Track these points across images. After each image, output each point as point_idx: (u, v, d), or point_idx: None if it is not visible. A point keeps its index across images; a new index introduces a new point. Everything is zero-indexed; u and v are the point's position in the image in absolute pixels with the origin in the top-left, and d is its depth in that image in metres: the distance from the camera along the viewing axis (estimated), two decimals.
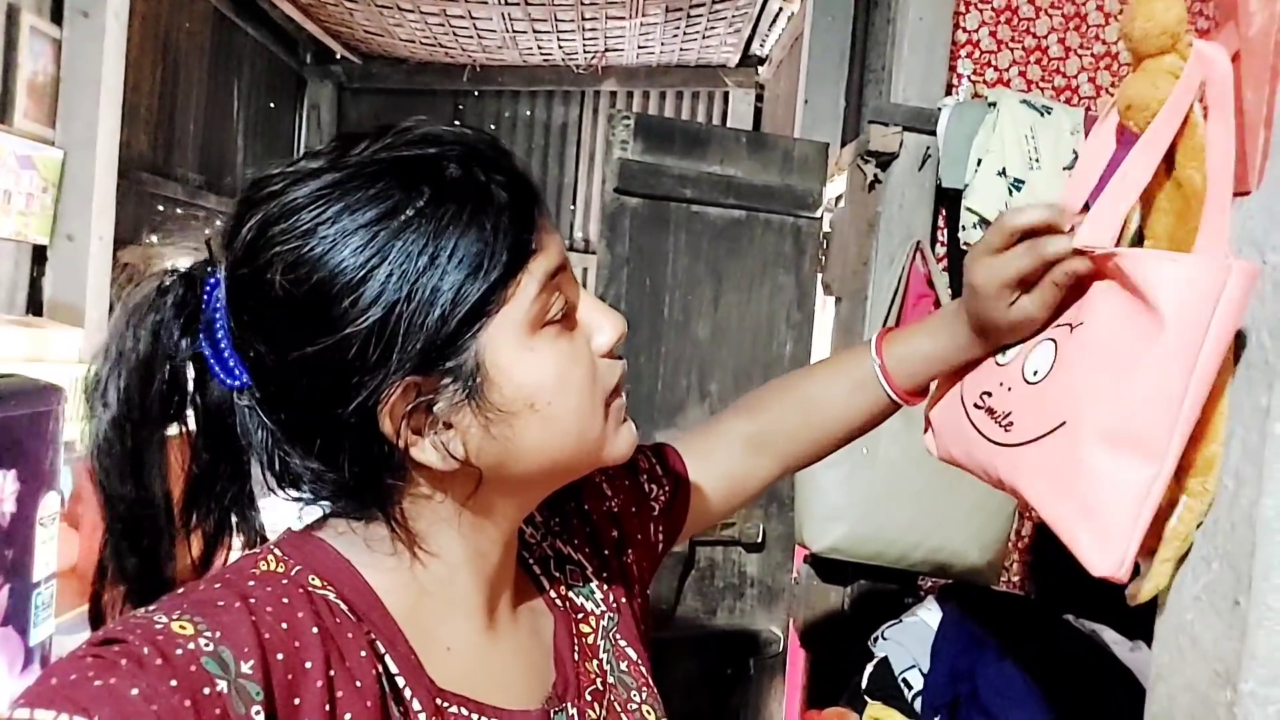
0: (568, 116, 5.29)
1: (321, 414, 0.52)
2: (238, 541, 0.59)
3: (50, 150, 2.71)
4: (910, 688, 1.41)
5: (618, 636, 0.70)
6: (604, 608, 0.70)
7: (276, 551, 0.56)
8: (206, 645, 0.46)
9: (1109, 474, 0.63)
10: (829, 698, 1.87)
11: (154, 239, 3.68)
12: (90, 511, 2.62)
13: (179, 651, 0.45)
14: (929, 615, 1.51)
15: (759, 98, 5.00)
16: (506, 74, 5.19)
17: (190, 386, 0.56)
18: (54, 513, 1.91)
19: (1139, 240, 0.85)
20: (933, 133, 1.79)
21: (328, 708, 0.49)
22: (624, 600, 0.72)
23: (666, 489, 0.82)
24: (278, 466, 0.56)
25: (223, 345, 0.54)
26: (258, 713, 0.45)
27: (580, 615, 0.69)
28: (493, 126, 5.40)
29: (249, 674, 0.46)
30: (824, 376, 0.85)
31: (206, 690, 0.44)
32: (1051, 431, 0.66)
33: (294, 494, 0.57)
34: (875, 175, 1.83)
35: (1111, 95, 1.94)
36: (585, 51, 4.79)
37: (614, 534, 0.76)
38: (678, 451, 0.84)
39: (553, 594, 0.69)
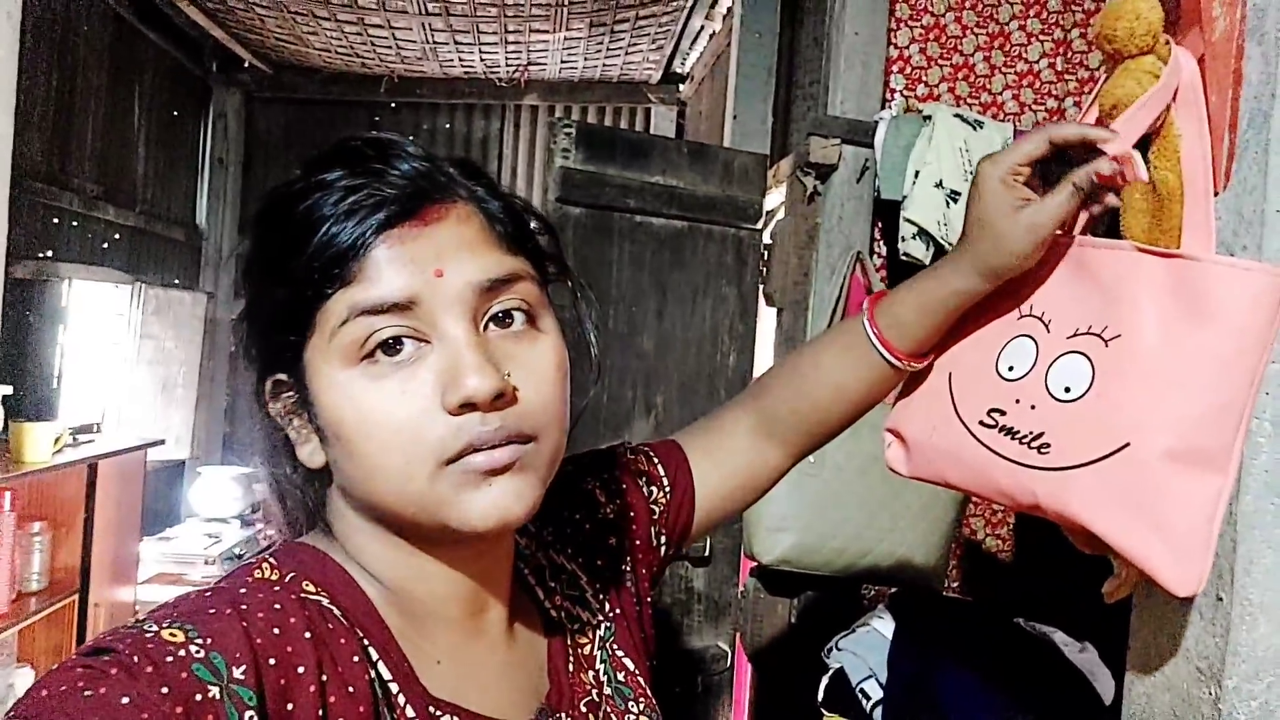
0: (488, 130, 5.21)
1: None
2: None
3: None
4: (868, 698, 1.41)
5: (615, 647, 0.69)
6: (601, 618, 0.69)
7: (271, 560, 0.56)
8: (197, 652, 0.46)
9: (1181, 492, 0.62)
10: (777, 711, 1.86)
11: (49, 253, 3.45)
12: None
13: (169, 659, 0.45)
14: (881, 624, 1.51)
15: (681, 114, 5.04)
16: (425, 86, 5.09)
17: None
18: None
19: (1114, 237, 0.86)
20: (870, 145, 1.82)
21: (320, 712, 0.49)
22: (623, 609, 0.71)
23: (668, 490, 0.78)
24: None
25: None
26: (251, 718, 0.45)
27: (576, 626, 0.68)
28: (410, 139, 5.27)
29: (241, 679, 0.46)
30: (819, 350, 0.81)
31: (199, 697, 0.44)
32: (1112, 454, 0.64)
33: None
34: (815, 187, 1.84)
35: (1034, 111, 2.02)
36: (507, 65, 4.74)
37: (611, 541, 0.74)
38: (682, 449, 0.81)
39: (548, 605, 0.68)
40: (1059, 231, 0.70)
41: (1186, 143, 0.72)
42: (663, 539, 0.78)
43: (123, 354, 4.04)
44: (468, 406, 0.52)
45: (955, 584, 1.99)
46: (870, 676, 1.44)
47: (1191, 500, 0.62)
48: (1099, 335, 0.67)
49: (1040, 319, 0.72)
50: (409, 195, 0.53)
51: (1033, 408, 0.69)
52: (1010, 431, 0.70)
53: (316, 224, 0.52)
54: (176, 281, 4.63)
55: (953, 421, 0.75)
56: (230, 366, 4.79)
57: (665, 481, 0.78)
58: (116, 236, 4.05)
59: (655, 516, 0.77)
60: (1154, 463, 0.62)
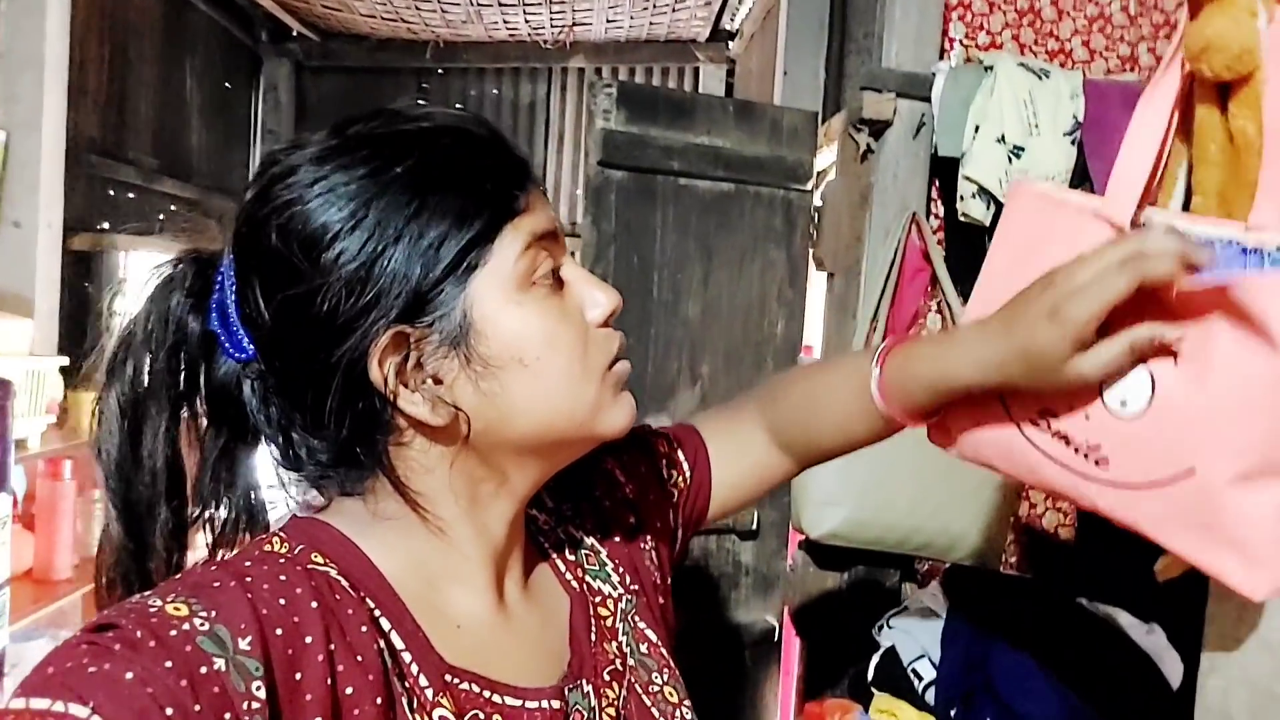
0: (535, 94, 5.15)
1: (313, 364, 0.54)
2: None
3: None
4: (920, 678, 1.35)
5: (637, 619, 0.69)
6: (621, 590, 0.70)
7: (280, 534, 0.57)
8: (202, 625, 0.46)
9: (1252, 507, 0.59)
10: (826, 687, 1.82)
11: (107, 225, 3.51)
12: (46, 512, 2.49)
13: (173, 633, 0.45)
14: (935, 603, 1.46)
15: (730, 73, 4.91)
16: (471, 51, 5.03)
17: (201, 366, 0.58)
18: (5, 515, 1.79)
19: (1187, 196, 0.78)
20: (927, 99, 1.72)
21: (329, 681, 0.49)
22: (642, 585, 0.72)
23: (687, 475, 0.80)
24: (282, 442, 0.58)
25: (233, 319, 0.56)
26: (258, 688, 0.46)
27: (598, 599, 0.69)
28: (458, 106, 5.24)
29: (247, 650, 0.46)
30: (831, 379, 0.79)
31: (204, 669, 0.44)
32: (1177, 479, 0.60)
33: (298, 474, 0.59)
34: (868, 144, 1.75)
35: (1105, 59, 1.89)
36: (552, 26, 4.66)
37: (630, 520, 0.75)
38: (700, 435, 0.82)
39: (569, 576, 0.69)
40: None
41: (1272, 90, 0.65)
42: (679, 521, 0.79)
43: None
44: (607, 321, 0.61)
45: (1013, 560, 1.92)
46: (923, 656, 1.39)
47: (1264, 512, 0.59)
48: (1169, 352, 0.61)
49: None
50: (524, 153, 0.59)
51: (1088, 419, 0.64)
52: (1064, 438, 0.66)
53: (491, 159, 0.56)
54: None
55: (1000, 417, 0.70)
56: None
57: (685, 466, 0.80)
58: (173, 208, 4.11)
59: (674, 500, 0.79)
60: (1223, 488, 0.59)
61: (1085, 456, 0.65)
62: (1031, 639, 1.26)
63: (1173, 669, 1.27)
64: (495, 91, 5.16)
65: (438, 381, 0.55)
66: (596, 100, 1.62)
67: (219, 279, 0.58)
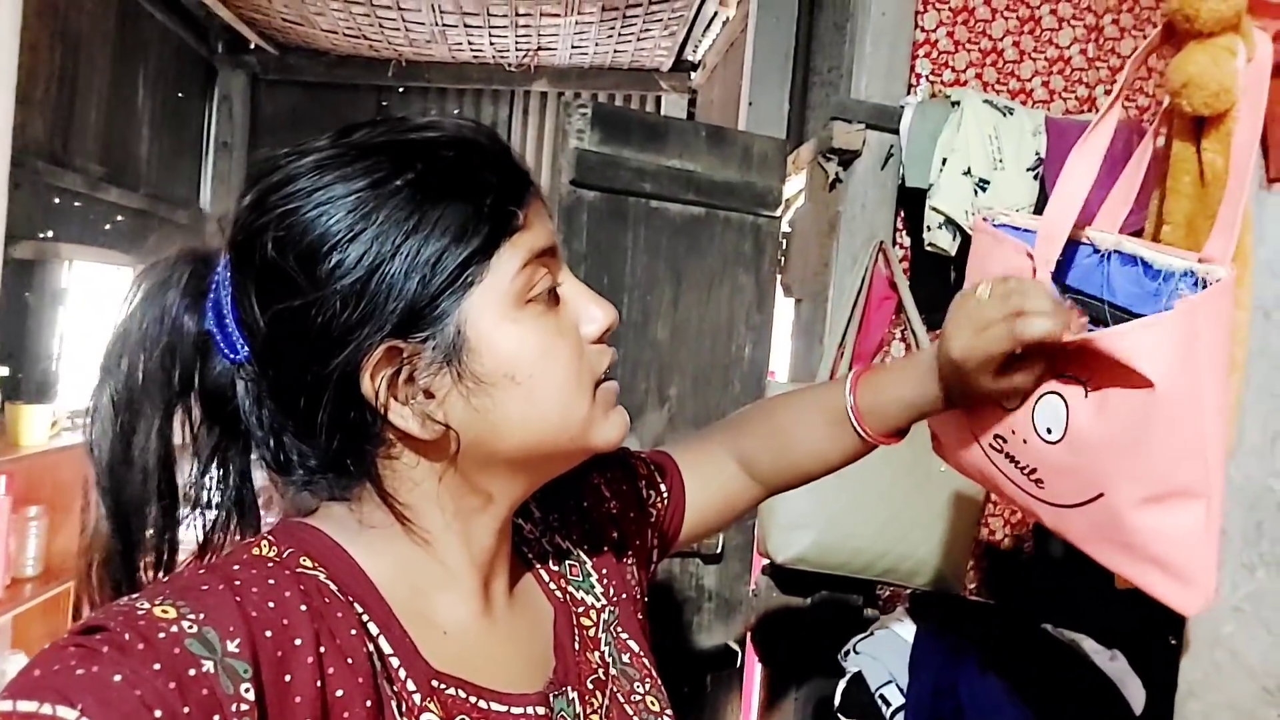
0: (496, 116, 5.14)
1: (306, 375, 0.53)
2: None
3: None
4: (888, 704, 1.35)
5: (619, 629, 0.70)
6: (604, 601, 0.70)
7: (269, 538, 0.56)
8: (190, 627, 0.46)
9: (1166, 527, 0.62)
10: (788, 712, 1.80)
11: (51, 234, 3.40)
12: None
13: (161, 635, 0.45)
14: (901, 627, 1.46)
15: (692, 102, 4.97)
16: (433, 70, 5.02)
17: (196, 366, 0.57)
18: None
19: (1157, 225, 0.81)
20: (895, 131, 1.75)
21: (319, 684, 0.49)
22: (624, 596, 0.72)
23: (664, 497, 0.81)
24: (273, 444, 0.57)
25: (228, 320, 0.55)
26: (247, 690, 0.45)
27: (581, 609, 0.69)
28: (459, 114, 5.20)
29: (236, 652, 0.46)
30: (801, 408, 0.84)
31: (192, 671, 0.44)
32: (1090, 501, 0.65)
33: (288, 478, 0.58)
34: (837, 174, 1.78)
35: (1064, 99, 1.95)
36: (517, 49, 4.67)
37: (614, 535, 0.75)
38: (674, 461, 0.83)
39: (552, 586, 0.69)
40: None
41: (1241, 128, 0.68)
42: (655, 543, 0.80)
43: None
44: (603, 337, 0.60)
45: (972, 586, 1.94)
46: (890, 682, 1.39)
47: (1178, 531, 0.62)
48: (1078, 381, 0.65)
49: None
50: (526, 166, 0.59)
51: (1025, 442, 0.69)
52: (1011, 459, 0.71)
53: (493, 173, 0.55)
54: None
55: (970, 440, 0.76)
56: None
57: (662, 488, 0.81)
58: (119, 218, 3.99)
59: (652, 521, 0.79)
60: (1131, 510, 0.62)
61: (1027, 476, 0.69)
62: (1000, 665, 1.27)
63: (1135, 695, 1.29)
64: (456, 111, 5.14)
65: (429, 395, 0.55)
66: (571, 120, 1.61)
67: (215, 280, 0.57)
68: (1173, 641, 1.36)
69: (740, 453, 0.84)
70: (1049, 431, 0.66)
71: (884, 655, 1.42)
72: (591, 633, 0.67)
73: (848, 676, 1.45)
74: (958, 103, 1.70)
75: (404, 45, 4.69)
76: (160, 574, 0.57)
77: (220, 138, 4.99)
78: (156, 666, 0.43)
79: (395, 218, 0.52)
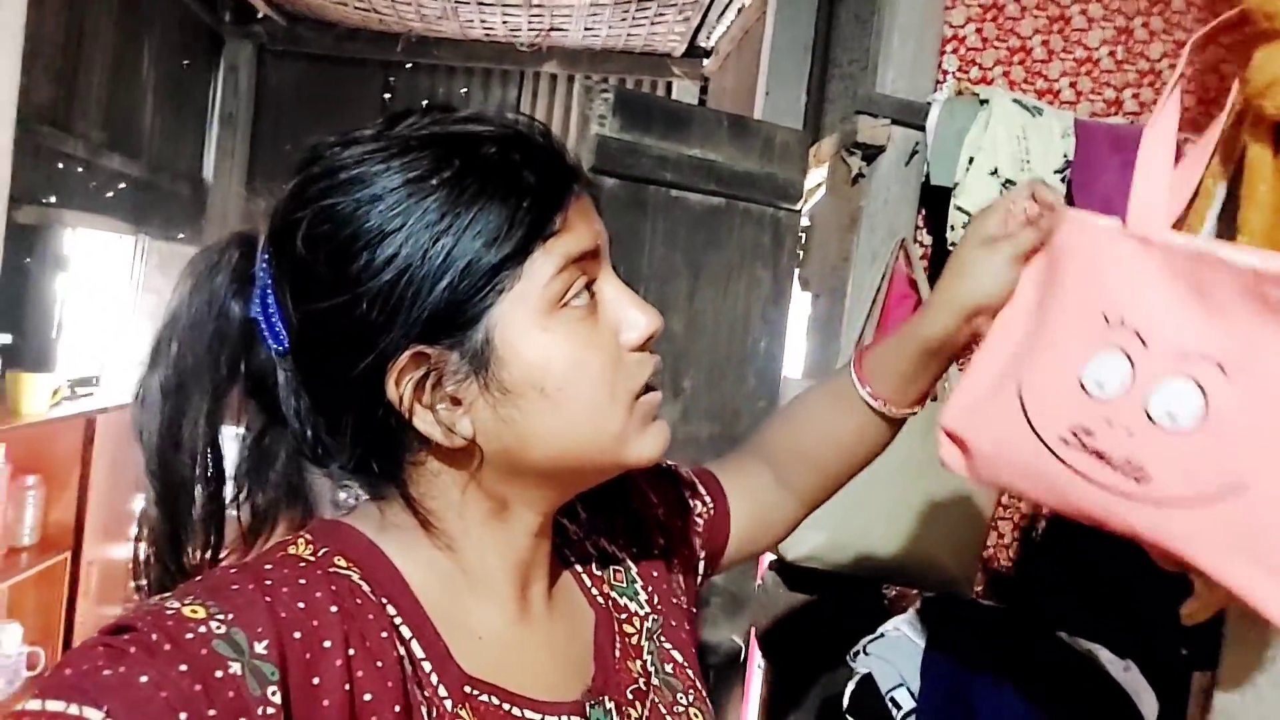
0: (505, 98, 5.09)
1: (335, 374, 0.53)
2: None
3: None
4: (899, 708, 1.34)
5: (663, 639, 0.68)
6: (648, 609, 0.69)
7: (306, 536, 0.56)
8: (218, 628, 0.46)
9: None
10: (790, 710, 1.80)
11: (53, 199, 3.35)
12: None
13: (189, 636, 0.45)
14: (912, 630, 1.45)
15: (703, 89, 4.92)
16: (443, 47, 4.96)
17: (242, 351, 0.57)
18: None
19: (1230, 234, 0.78)
20: (920, 127, 1.72)
21: (347, 687, 0.49)
22: (670, 607, 0.70)
23: (709, 507, 0.79)
24: (310, 437, 0.56)
25: (272, 308, 0.55)
26: (274, 693, 0.45)
27: (624, 615, 0.67)
28: (424, 102, 5.16)
29: (263, 654, 0.46)
30: (814, 403, 0.83)
31: (219, 673, 0.44)
32: (1224, 493, 0.58)
33: (323, 471, 0.58)
34: (860, 169, 1.75)
35: (1091, 101, 1.92)
36: (530, 29, 4.62)
37: (661, 541, 0.74)
38: (715, 476, 0.81)
39: (595, 591, 0.67)
40: (1149, 237, 0.65)
41: None
42: (702, 554, 0.78)
43: (124, 307, 3.95)
44: (645, 344, 0.58)
45: (978, 590, 1.93)
46: (901, 685, 1.37)
47: None
48: (1218, 364, 0.59)
49: (1137, 334, 0.64)
50: (574, 163, 0.57)
51: (1130, 434, 0.62)
52: (1101, 456, 0.64)
53: (534, 173, 0.53)
54: (180, 236, 4.52)
55: (1027, 436, 0.69)
56: None
57: (707, 498, 0.79)
58: (121, 186, 3.95)
59: (699, 529, 0.77)
60: (1273, 504, 0.57)
61: (1125, 474, 0.63)
62: (1015, 672, 1.25)
63: (1149, 707, 1.28)
64: (464, 91, 5.09)
65: (456, 402, 0.54)
66: (592, 105, 1.59)
67: (260, 268, 0.57)
68: (1184, 653, 1.35)
69: (773, 467, 0.83)
70: (1172, 418, 0.61)
71: (895, 658, 1.40)
72: (634, 640, 0.66)
73: (857, 677, 1.44)
74: (986, 101, 1.68)
75: (414, 20, 4.63)
76: (208, 557, 0.57)
77: (226, 108, 4.93)
78: (183, 668, 0.43)
79: (427, 220, 0.51)
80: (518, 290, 0.53)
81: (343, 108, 4.96)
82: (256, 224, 0.57)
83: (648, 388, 0.59)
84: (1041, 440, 0.68)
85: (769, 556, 1.79)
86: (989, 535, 1.84)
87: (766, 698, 1.87)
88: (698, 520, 0.77)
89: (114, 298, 3.91)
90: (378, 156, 0.53)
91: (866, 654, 1.45)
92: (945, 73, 1.84)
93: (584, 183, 0.57)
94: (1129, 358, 0.64)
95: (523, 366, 0.53)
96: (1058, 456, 0.67)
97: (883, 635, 1.48)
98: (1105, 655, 1.32)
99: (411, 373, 0.53)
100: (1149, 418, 0.62)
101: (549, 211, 0.53)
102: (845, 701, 1.43)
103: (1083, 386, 0.66)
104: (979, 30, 1.87)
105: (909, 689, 1.35)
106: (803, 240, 1.88)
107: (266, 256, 0.56)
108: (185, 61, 4.54)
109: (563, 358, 0.54)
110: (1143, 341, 0.64)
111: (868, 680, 1.42)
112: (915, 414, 0.79)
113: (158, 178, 4.29)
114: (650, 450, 0.59)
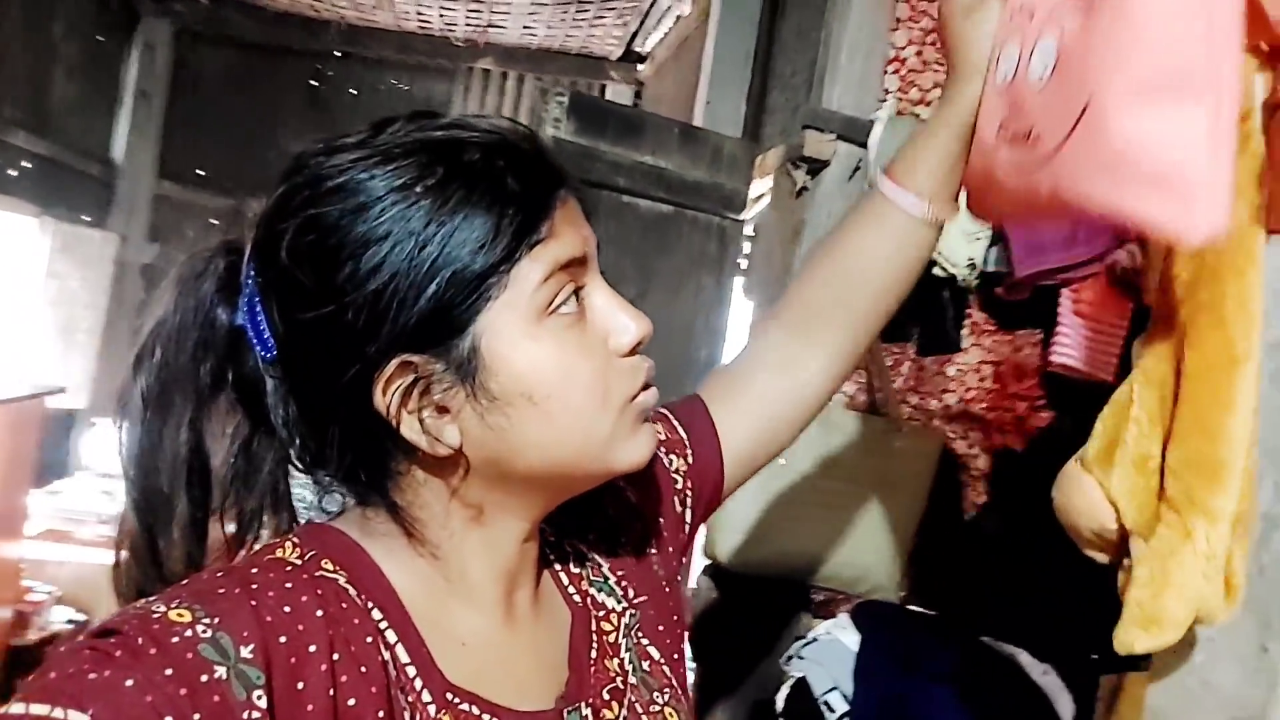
0: (436, 93, 5.02)
1: (322, 382, 0.53)
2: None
3: None
4: (832, 710, 1.37)
5: (640, 635, 0.67)
6: (625, 604, 0.68)
7: (293, 539, 0.56)
8: (204, 632, 0.46)
9: (1161, 132, 0.55)
10: (721, 712, 1.82)
11: None
12: None
13: (175, 640, 0.45)
14: (845, 635, 1.49)
15: (638, 95, 4.95)
16: (376, 38, 4.86)
17: (229, 360, 0.57)
18: None
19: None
20: (863, 144, 1.77)
21: (331, 692, 0.49)
22: (649, 596, 0.70)
23: (690, 457, 0.75)
24: (297, 445, 0.56)
25: (259, 316, 0.54)
26: (259, 697, 0.45)
27: (601, 613, 0.67)
28: (353, 93, 5.05)
29: (249, 659, 0.46)
30: (847, 231, 0.78)
31: (204, 678, 0.44)
32: (1080, 118, 0.57)
33: (311, 478, 0.58)
34: (805, 183, 1.79)
35: None
36: (467, 24, 4.57)
37: (637, 526, 0.72)
38: (704, 403, 0.77)
39: (572, 590, 0.67)
40: None
41: None
42: (687, 507, 0.75)
43: (24, 292, 3.74)
44: (634, 350, 0.57)
45: (903, 595, 1.99)
46: (834, 689, 1.41)
47: (1175, 137, 0.55)
48: (1073, 5, 0.60)
49: (1031, 13, 0.65)
50: (560, 166, 0.57)
51: (1024, 105, 0.63)
52: (1014, 137, 0.65)
53: (519, 180, 0.53)
54: (87, 219, 4.31)
55: (981, 154, 0.70)
56: (137, 314, 4.52)
57: (687, 447, 0.75)
58: (26, 164, 3.74)
59: (678, 487, 0.75)
60: (1121, 110, 0.55)
61: (1030, 144, 0.63)
62: (946, 676, 1.30)
63: (1065, 708, 1.34)
64: (395, 84, 4.99)
65: (444, 411, 0.54)
66: (548, 108, 1.58)
67: (246, 276, 0.56)
68: (1094, 658, 1.42)
69: (794, 321, 0.78)
70: (1039, 78, 0.61)
71: (828, 661, 1.44)
72: (611, 639, 0.66)
73: (790, 681, 1.47)
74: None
75: (347, 8, 4.53)
76: (189, 568, 0.56)
77: (141, 87, 4.73)
78: (169, 672, 0.43)
79: (412, 228, 0.51)
80: (505, 298, 0.52)
81: (268, 95, 4.81)
82: (243, 233, 0.57)
83: (644, 388, 0.59)
84: (987, 152, 0.68)
85: (703, 561, 1.81)
86: (915, 541, 1.90)
87: (698, 700, 1.89)
88: (675, 478, 0.74)
89: (14, 282, 3.70)
90: (362, 165, 0.52)
91: (800, 658, 1.48)
92: (887, 92, 1.90)
93: (571, 188, 0.57)
94: (1020, 39, 0.65)
95: (511, 375, 0.53)
96: (999, 160, 0.67)
97: (815, 639, 1.51)
98: (1025, 659, 1.38)
99: (398, 381, 0.52)
100: (1030, 84, 0.63)
101: (535, 218, 0.53)
102: (780, 705, 1.46)
103: (996, 84, 0.67)
104: (919, 53, 1.93)
105: (842, 692, 1.39)
106: (745, 250, 1.91)
107: (253, 265, 0.55)
108: (99, 37, 4.34)
109: (551, 366, 0.54)
110: (1030, 17, 0.65)
111: (802, 684, 1.45)
112: (950, 219, 0.75)
113: (65, 156, 4.08)
114: (639, 455, 0.59)
